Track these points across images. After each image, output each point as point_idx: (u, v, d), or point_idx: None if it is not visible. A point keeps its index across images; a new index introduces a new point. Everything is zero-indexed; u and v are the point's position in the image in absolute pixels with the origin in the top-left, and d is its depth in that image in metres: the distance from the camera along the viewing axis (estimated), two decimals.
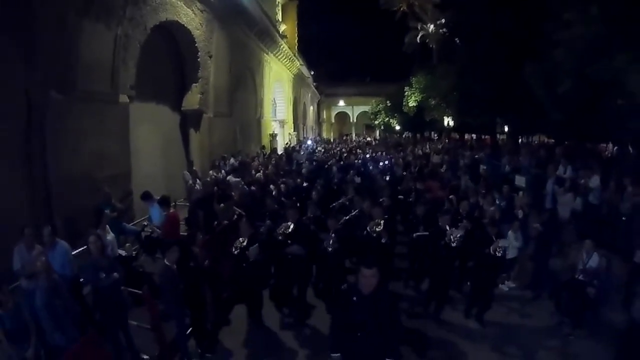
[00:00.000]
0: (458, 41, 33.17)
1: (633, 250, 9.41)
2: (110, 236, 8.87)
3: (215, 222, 10.48)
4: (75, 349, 5.72)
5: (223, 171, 17.33)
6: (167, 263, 7.46)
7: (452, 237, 9.00)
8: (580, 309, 8.74)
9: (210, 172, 16.97)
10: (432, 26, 50.96)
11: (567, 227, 11.81)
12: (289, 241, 9.01)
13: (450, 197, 13.51)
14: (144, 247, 11.09)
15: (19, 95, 10.19)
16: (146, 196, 11.50)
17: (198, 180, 15.66)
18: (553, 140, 29.22)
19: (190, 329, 8.10)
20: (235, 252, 8.35)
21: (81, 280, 8.19)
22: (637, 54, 14.31)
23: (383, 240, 9.18)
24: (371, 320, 5.44)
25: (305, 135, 57.09)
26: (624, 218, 11.71)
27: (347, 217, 10.51)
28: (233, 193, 13.16)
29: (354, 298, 5.53)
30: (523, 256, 11.15)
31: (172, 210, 11.27)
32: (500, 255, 8.80)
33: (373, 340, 5.52)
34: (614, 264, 9.17)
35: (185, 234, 10.50)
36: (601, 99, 16.65)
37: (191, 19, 18.25)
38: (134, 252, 10.17)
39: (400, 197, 14.02)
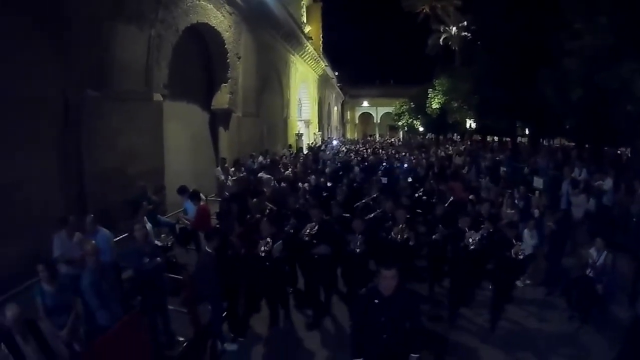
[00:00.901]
0: (479, 44, 33.39)
1: None
2: (148, 226, 9.32)
3: (248, 216, 10.89)
4: (118, 327, 6.13)
5: (242, 169, 17.72)
6: (207, 249, 7.89)
7: (470, 239, 9.05)
8: (589, 304, 8.98)
9: (232, 169, 17.42)
10: (454, 28, 51.03)
11: (580, 227, 12.08)
12: (314, 241, 9.01)
13: (471, 197, 13.66)
14: (178, 239, 11.54)
15: (56, 94, 10.70)
16: (182, 190, 11.96)
17: (230, 177, 16.11)
18: (574, 144, 29.33)
19: (225, 313, 8.47)
20: (262, 255, 8.20)
21: (120, 266, 8.69)
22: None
23: (411, 243, 9.23)
24: (392, 322, 5.45)
25: (329, 135, 57.50)
26: (634, 219, 11.89)
27: (370, 216, 10.58)
28: (265, 189, 13.58)
29: (375, 300, 5.48)
30: (538, 254, 11.30)
31: (202, 203, 11.72)
32: (521, 258, 8.77)
33: (395, 343, 5.50)
34: (622, 262, 9.33)
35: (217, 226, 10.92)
36: (611, 105, 17.14)
37: (220, 21, 18.77)
38: (169, 243, 10.60)
39: (423, 197, 13.99)
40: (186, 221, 11.39)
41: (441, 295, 10.33)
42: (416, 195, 14.09)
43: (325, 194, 13.65)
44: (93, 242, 7.57)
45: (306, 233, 9.05)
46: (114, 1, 12.00)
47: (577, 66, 17.66)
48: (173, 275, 8.69)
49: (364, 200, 13.09)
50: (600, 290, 8.77)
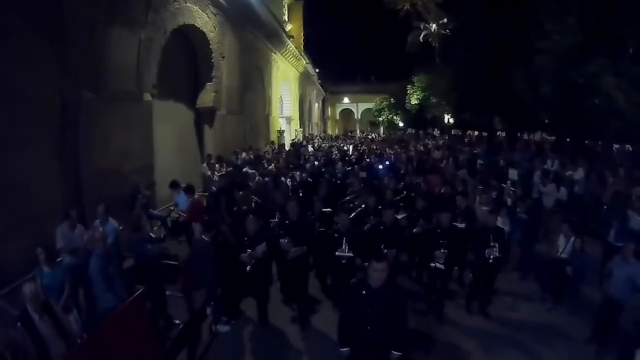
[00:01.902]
0: (458, 41, 34.45)
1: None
2: (143, 219, 10.01)
3: (235, 208, 11.62)
4: (123, 308, 6.78)
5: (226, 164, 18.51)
6: (203, 237, 8.56)
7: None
8: (560, 286, 9.67)
9: (217, 165, 18.16)
10: (434, 25, 51.73)
11: (552, 215, 12.93)
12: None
13: (442, 190, 13.98)
14: (170, 231, 12.23)
15: (54, 94, 11.17)
16: (174, 184, 12.66)
17: (215, 172, 16.82)
18: (554, 137, 30.27)
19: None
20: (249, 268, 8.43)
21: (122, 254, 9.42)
22: (610, 60, 16.30)
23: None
24: (380, 314, 5.58)
25: (310, 132, 57.93)
26: (605, 207, 12.78)
27: (353, 215, 10.62)
28: (250, 183, 14.25)
29: (363, 292, 5.65)
30: (511, 241, 11.57)
31: (196, 196, 12.41)
32: (492, 261, 8.95)
33: (381, 334, 5.66)
34: (591, 245, 10.03)
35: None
36: (580, 100, 18.23)
37: (205, 22, 19.36)
38: (161, 235, 11.27)
39: (404, 192, 13.94)
40: (182, 213, 12.00)
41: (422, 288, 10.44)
42: (398, 189, 14.01)
43: (305, 190, 13.86)
44: (101, 229, 8.32)
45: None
46: (108, 6, 12.54)
47: (547, 64, 18.87)
48: (170, 262, 9.39)
49: (347, 197, 13.65)
50: (569, 272, 9.35)
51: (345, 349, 5.90)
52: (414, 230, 10.58)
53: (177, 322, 8.79)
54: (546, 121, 24.96)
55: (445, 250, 8.77)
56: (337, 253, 8.52)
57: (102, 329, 6.06)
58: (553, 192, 14.82)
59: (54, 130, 11.26)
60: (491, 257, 8.92)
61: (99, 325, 6.22)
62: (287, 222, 9.16)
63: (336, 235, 8.76)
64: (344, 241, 8.53)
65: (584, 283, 9.78)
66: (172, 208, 12.86)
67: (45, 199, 10.65)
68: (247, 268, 8.41)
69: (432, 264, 8.93)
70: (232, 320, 9.10)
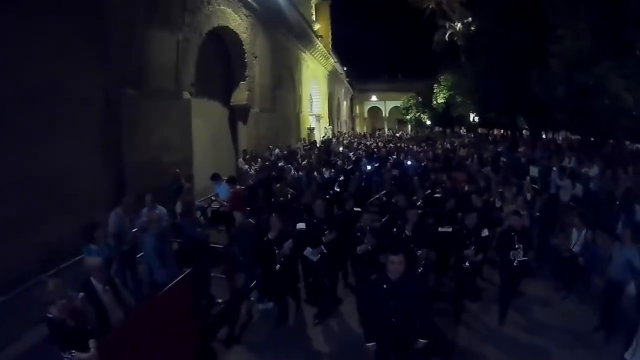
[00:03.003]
0: (480, 41, 35.04)
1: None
2: (194, 205, 10.73)
3: (273, 199, 12.37)
4: (177, 281, 7.44)
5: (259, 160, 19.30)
6: (250, 220, 9.31)
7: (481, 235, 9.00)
8: (572, 276, 10.05)
9: (240, 160, 19.06)
10: (459, 24, 51.84)
11: (567, 209, 13.35)
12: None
13: (466, 188, 13.87)
14: (210, 220, 12.94)
15: (99, 91, 12.05)
16: (215, 176, 13.39)
17: (252, 166, 17.57)
18: (579, 137, 30.51)
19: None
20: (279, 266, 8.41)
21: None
22: (617, 62, 17.12)
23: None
24: (402, 306, 5.67)
25: (339, 129, 58.52)
26: (617, 202, 13.19)
27: (385, 219, 10.51)
28: (286, 177, 14.97)
29: (384, 286, 5.73)
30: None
31: (237, 187, 13.11)
32: (516, 264, 8.67)
33: (404, 327, 5.76)
34: (603, 239, 10.36)
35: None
36: (591, 101, 18.94)
37: (238, 24, 20.23)
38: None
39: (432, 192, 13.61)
40: (223, 203, 12.67)
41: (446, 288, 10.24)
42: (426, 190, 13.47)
43: (335, 187, 14.14)
44: (157, 211, 9.07)
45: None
46: (147, 8, 13.42)
47: (560, 66, 19.67)
48: (215, 246, 10.08)
49: (377, 196, 14.03)
50: (581, 263, 9.66)
51: (371, 344, 5.94)
52: (440, 230, 10.05)
53: (219, 301, 9.42)
54: (561, 121, 25.48)
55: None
56: (358, 248, 8.56)
57: (153, 302, 6.77)
58: (568, 187, 15.24)
59: (99, 125, 12.13)
60: (516, 259, 8.62)
61: (150, 299, 6.95)
62: (314, 220, 9.16)
63: (359, 234, 8.77)
64: (366, 240, 8.54)
65: (595, 273, 9.96)
66: (212, 198, 13.47)
67: (91, 188, 11.50)
68: (277, 267, 8.37)
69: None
70: (270, 301, 9.48)
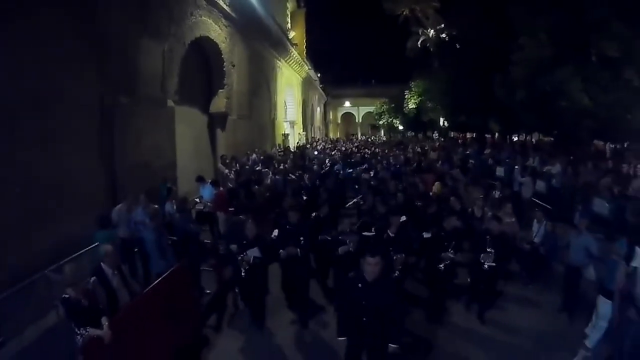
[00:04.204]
0: (450, 48, 36.73)
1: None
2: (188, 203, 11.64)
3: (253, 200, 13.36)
4: (174, 269, 8.31)
5: (238, 164, 20.27)
6: (240, 217, 10.25)
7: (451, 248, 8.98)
8: (534, 265, 10.99)
9: (220, 165, 19.81)
10: (432, 31, 52.96)
11: (529, 205, 14.50)
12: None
13: (434, 190, 14.62)
14: (196, 220, 13.82)
15: (95, 99, 12.76)
16: (200, 178, 14.49)
17: (232, 170, 18.51)
18: (553, 139, 31.94)
19: None
20: (244, 271, 8.60)
21: None
22: (575, 68, 18.93)
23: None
24: (375, 306, 5.82)
25: (313, 135, 59.33)
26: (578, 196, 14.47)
27: (361, 221, 10.70)
28: (264, 179, 16.00)
29: (359, 285, 5.91)
30: None
31: (221, 189, 14.05)
32: (487, 268, 8.78)
33: (377, 326, 5.90)
34: (562, 229, 11.26)
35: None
36: (551, 104, 20.79)
37: (218, 34, 21.07)
38: None
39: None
40: (207, 204, 13.56)
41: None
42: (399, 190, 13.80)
43: (310, 192, 14.49)
44: (156, 206, 10.03)
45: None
46: (138, 19, 14.26)
47: (521, 73, 21.51)
48: (205, 241, 11.00)
49: (354, 200, 14.64)
50: (542, 252, 10.71)
51: (342, 339, 6.21)
52: (423, 234, 10.06)
53: (208, 292, 10.21)
54: (528, 123, 27.16)
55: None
56: (340, 249, 8.67)
57: (156, 286, 7.66)
58: (529, 184, 16.57)
59: (95, 130, 12.85)
60: (485, 263, 8.74)
61: (153, 285, 7.76)
62: (288, 226, 9.32)
63: (340, 237, 8.95)
64: (348, 240, 8.67)
65: (556, 261, 10.91)
66: (197, 200, 14.21)
67: (88, 189, 12.26)
68: (242, 273, 8.62)
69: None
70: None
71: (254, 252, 8.48)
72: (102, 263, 7.32)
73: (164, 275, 7.99)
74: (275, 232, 9.35)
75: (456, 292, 10.01)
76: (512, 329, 8.94)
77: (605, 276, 7.87)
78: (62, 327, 8.30)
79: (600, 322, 7.71)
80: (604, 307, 7.62)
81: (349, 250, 8.60)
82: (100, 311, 6.46)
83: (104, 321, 6.25)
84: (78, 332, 6.21)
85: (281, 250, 8.90)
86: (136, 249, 9.87)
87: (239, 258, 8.53)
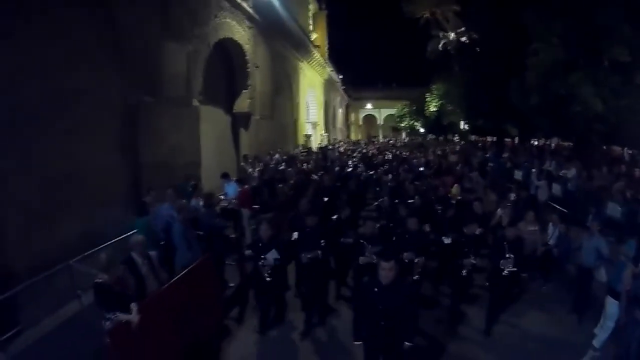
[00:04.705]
0: (470, 51, 36.92)
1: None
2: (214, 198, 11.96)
3: (277, 198, 13.68)
4: (200, 262, 8.64)
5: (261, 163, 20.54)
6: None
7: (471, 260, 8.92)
8: (548, 265, 11.15)
9: (242, 163, 20.24)
10: (452, 34, 52.88)
11: (544, 207, 14.62)
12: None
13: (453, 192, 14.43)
14: (220, 216, 14.15)
15: (119, 98, 13.18)
16: (225, 175, 14.80)
17: (255, 169, 18.85)
18: (572, 144, 31.99)
19: None
20: (267, 274, 8.52)
21: None
22: (587, 72, 19.19)
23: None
24: (390, 309, 5.86)
25: (334, 137, 59.54)
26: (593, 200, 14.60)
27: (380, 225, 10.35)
28: (287, 178, 16.29)
29: (375, 289, 5.97)
30: None
31: (245, 187, 14.35)
32: (506, 274, 8.63)
33: (391, 330, 5.95)
34: (575, 232, 11.27)
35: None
36: (565, 108, 20.91)
37: (242, 35, 21.44)
38: None
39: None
40: (232, 201, 13.87)
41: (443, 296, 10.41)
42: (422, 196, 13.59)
43: (331, 193, 14.46)
44: (184, 200, 10.38)
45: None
46: (162, 22, 14.56)
47: (535, 77, 21.72)
48: (229, 236, 11.28)
49: (376, 203, 14.70)
50: (555, 254, 10.84)
51: (358, 342, 6.25)
52: (443, 239, 10.00)
53: (231, 285, 10.58)
54: (543, 128, 27.35)
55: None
56: (360, 259, 8.52)
57: (184, 276, 7.99)
58: (545, 187, 17.00)
59: (119, 129, 13.28)
60: (505, 269, 8.59)
61: (180, 275, 8.08)
62: (307, 229, 9.23)
63: (361, 241, 8.83)
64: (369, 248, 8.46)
65: (569, 263, 10.91)
66: (221, 197, 14.43)
67: (111, 184, 12.71)
68: (267, 278, 8.55)
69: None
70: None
71: (273, 255, 8.43)
72: (132, 252, 7.65)
73: (190, 267, 8.31)
74: (295, 235, 9.35)
75: (473, 298, 10.06)
76: (523, 333, 9.01)
77: (613, 277, 8.04)
78: (80, 318, 8.89)
79: (608, 322, 7.88)
80: (612, 307, 7.80)
81: (372, 261, 8.14)
82: (130, 297, 6.72)
83: (133, 307, 6.48)
84: (107, 316, 6.50)
85: (302, 254, 8.82)
86: (162, 242, 10.13)
87: (260, 264, 8.49)
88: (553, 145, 38.06)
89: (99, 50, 12.29)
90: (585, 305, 9.31)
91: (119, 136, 13.30)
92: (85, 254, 9.84)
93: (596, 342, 7.96)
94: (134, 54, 13.54)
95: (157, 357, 6.85)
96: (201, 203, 11.68)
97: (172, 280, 7.81)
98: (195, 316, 7.86)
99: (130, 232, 9.70)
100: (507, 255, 8.59)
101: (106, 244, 9.78)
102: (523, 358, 8.22)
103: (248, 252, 8.98)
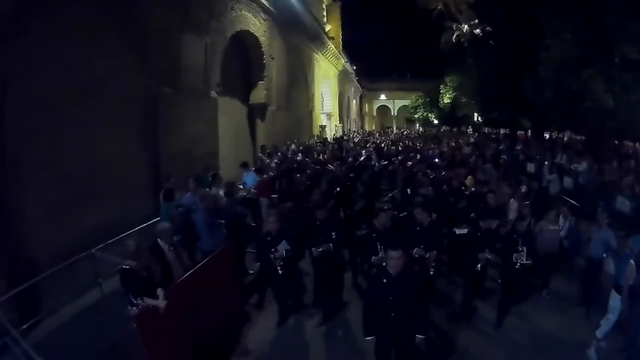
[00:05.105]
0: (483, 44, 37.13)
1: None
2: (221, 191, 12.21)
3: (294, 187, 13.94)
4: (222, 249, 8.91)
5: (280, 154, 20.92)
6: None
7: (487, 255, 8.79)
8: (557, 256, 11.05)
9: (259, 154, 20.58)
10: (466, 26, 52.74)
11: (555, 200, 14.76)
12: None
13: (467, 183, 14.51)
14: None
15: (140, 90, 13.48)
16: (244, 165, 15.25)
17: (272, 160, 19.15)
18: (583, 137, 32.08)
19: None
20: (279, 266, 8.49)
21: None
22: (599, 68, 19.52)
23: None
24: (400, 299, 5.83)
25: (349, 127, 59.70)
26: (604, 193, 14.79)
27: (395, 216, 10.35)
28: (305, 168, 16.59)
29: (384, 280, 5.97)
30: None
31: (264, 176, 14.68)
32: (519, 267, 8.55)
33: (402, 322, 5.92)
34: (585, 225, 11.36)
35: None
36: (577, 103, 21.35)
37: (258, 27, 21.71)
38: None
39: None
40: (251, 190, 14.08)
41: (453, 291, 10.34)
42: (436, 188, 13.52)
43: (347, 184, 14.81)
44: (207, 190, 10.74)
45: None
46: (181, 15, 14.84)
47: (548, 72, 22.12)
48: (250, 224, 11.57)
49: (390, 195, 14.58)
50: (566, 246, 10.90)
51: (370, 337, 6.21)
52: (456, 231, 9.97)
53: (251, 272, 10.76)
54: (556, 121, 27.64)
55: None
56: (373, 259, 8.32)
57: (207, 263, 8.27)
58: (556, 181, 17.16)
59: (140, 120, 13.59)
60: (518, 262, 8.52)
61: (204, 261, 8.36)
62: (318, 222, 9.22)
63: (374, 235, 8.71)
64: (379, 245, 8.14)
65: (579, 255, 10.89)
66: (240, 186, 14.49)
67: (132, 173, 13.06)
68: (279, 270, 8.55)
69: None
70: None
71: (284, 246, 8.42)
72: (158, 239, 7.94)
73: (213, 254, 8.58)
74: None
75: (486, 293, 9.88)
76: (533, 330, 8.95)
77: (617, 271, 8.24)
78: (100, 306, 9.26)
79: (610, 315, 8.12)
80: (614, 301, 8.02)
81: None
82: (156, 283, 7.02)
83: (160, 292, 6.78)
84: (134, 301, 6.76)
85: (313, 249, 8.82)
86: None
87: (271, 257, 8.45)
88: (566, 138, 38.01)
89: (121, 43, 12.52)
90: (593, 298, 9.39)
91: (139, 127, 13.60)
92: (107, 242, 10.15)
93: (599, 333, 8.22)
94: (154, 46, 13.78)
95: (182, 342, 7.10)
96: (221, 192, 11.93)
97: (196, 267, 8.05)
98: (218, 302, 8.15)
99: (152, 221, 10.18)
100: (520, 249, 8.56)
101: (128, 233, 9.97)
102: (532, 355, 8.19)
103: (258, 245, 9.10)
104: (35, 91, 9.63)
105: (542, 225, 10.35)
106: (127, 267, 6.89)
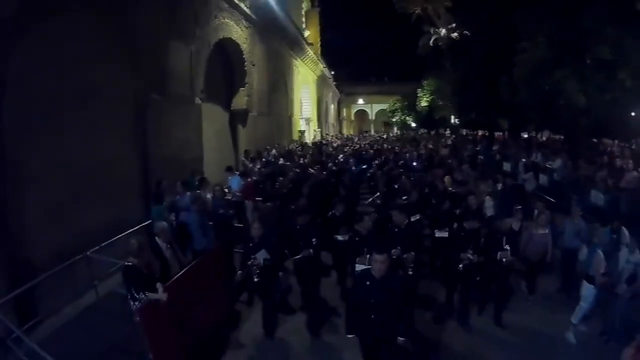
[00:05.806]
0: (460, 50, 38.17)
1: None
2: (209, 195, 12.70)
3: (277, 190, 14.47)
4: (214, 250, 9.51)
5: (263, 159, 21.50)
6: (268, 204, 11.47)
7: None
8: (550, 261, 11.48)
9: (243, 159, 21.13)
10: (443, 30, 53.59)
11: (530, 197, 15.43)
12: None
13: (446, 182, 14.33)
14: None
15: (129, 96, 13.73)
16: (229, 169, 15.81)
17: (255, 164, 19.66)
18: (562, 136, 33.02)
19: None
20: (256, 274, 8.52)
21: None
22: (572, 69, 20.72)
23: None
24: (382, 302, 5.91)
25: (327, 132, 60.03)
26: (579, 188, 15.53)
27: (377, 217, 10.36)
28: (287, 172, 17.11)
29: (367, 282, 6.02)
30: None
31: (249, 180, 15.24)
32: (504, 264, 8.83)
33: (383, 323, 6.00)
34: (559, 219, 11.59)
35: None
36: (550, 103, 22.55)
37: (240, 34, 22.16)
38: None
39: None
40: (236, 193, 14.62)
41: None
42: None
43: (327, 189, 14.99)
44: (199, 192, 11.27)
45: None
46: (167, 21, 15.19)
47: (523, 73, 23.38)
48: (237, 225, 12.07)
49: (371, 198, 14.64)
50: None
51: (351, 336, 6.37)
52: (436, 233, 10.31)
53: (239, 272, 10.99)
54: (533, 121, 28.82)
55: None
56: (357, 265, 8.04)
57: (201, 261, 8.86)
58: (531, 178, 18.08)
59: (129, 124, 13.87)
60: (504, 259, 8.78)
61: (198, 260, 8.95)
62: (298, 227, 9.34)
63: (357, 239, 8.90)
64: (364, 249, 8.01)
65: (555, 247, 11.06)
66: (225, 190, 14.83)
67: (124, 177, 13.39)
68: (255, 279, 8.61)
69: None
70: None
71: (262, 255, 8.43)
72: (157, 238, 8.51)
73: (206, 253, 9.27)
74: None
75: (472, 294, 9.62)
76: (526, 331, 9.11)
77: (588, 261, 8.91)
78: (97, 308, 9.66)
79: (582, 303, 8.65)
80: (585, 290, 8.58)
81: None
82: (156, 279, 7.54)
83: (159, 286, 7.29)
84: (137, 296, 7.24)
85: (295, 257, 9.02)
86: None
87: (249, 263, 8.49)
88: (544, 138, 38.91)
89: (112, 49, 12.80)
90: (571, 284, 9.96)
91: (131, 132, 13.91)
92: (102, 245, 10.50)
93: (574, 319, 8.76)
94: (143, 53, 14.11)
95: (181, 333, 7.62)
96: (209, 195, 12.43)
97: (191, 264, 8.62)
98: (211, 297, 8.72)
99: (143, 224, 10.86)
100: (505, 247, 8.84)
101: (120, 235, 10.64)
102: (526, 356, 8.38)
103: (239, 250, 9.47)
104: (33, 96, 9.90)
105: (531, 231, 10.52)
106: (129, 263, 7.39)
